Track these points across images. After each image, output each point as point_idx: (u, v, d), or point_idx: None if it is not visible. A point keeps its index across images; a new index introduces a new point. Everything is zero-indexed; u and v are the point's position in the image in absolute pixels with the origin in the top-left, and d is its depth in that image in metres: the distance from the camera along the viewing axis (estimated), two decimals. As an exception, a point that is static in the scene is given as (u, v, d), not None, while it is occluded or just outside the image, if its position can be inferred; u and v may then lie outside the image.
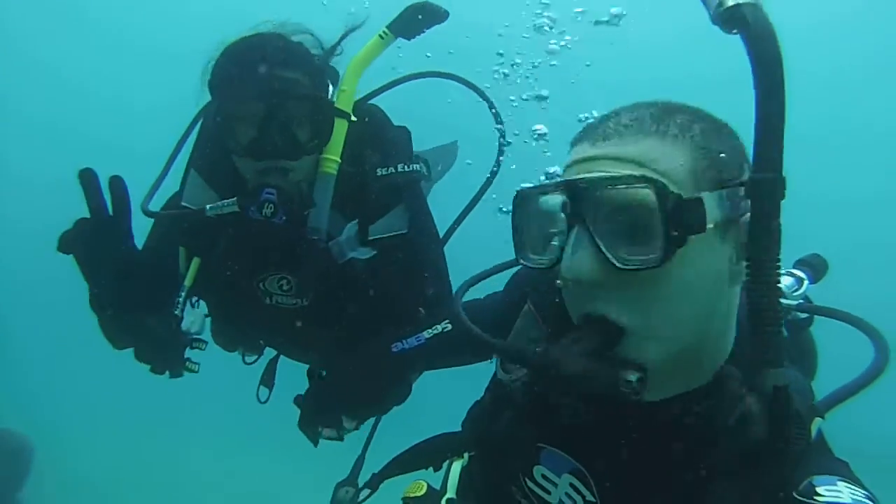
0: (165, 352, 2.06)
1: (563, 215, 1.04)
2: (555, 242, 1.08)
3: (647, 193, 0.97)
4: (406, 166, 2.08)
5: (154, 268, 2.07)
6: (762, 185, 0.94)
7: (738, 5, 0.94)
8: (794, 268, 1.49)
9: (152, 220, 2.15)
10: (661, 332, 1.02)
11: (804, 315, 1.42)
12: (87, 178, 1.85)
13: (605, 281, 1.00)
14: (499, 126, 2.56)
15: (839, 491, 0.98)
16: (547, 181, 1.17)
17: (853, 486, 1.00)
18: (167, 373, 2.09)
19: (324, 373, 2.01)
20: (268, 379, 2.55)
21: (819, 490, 0.98)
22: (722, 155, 1.04)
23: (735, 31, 0.96)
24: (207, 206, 1.93)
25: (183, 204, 2.03)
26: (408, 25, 2.10)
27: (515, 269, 1.49)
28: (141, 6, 12.73)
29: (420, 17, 2.10)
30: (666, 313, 1.02)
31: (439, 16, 2.12)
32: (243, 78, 1.86)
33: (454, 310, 1.37)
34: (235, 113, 1.89)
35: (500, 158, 2.58)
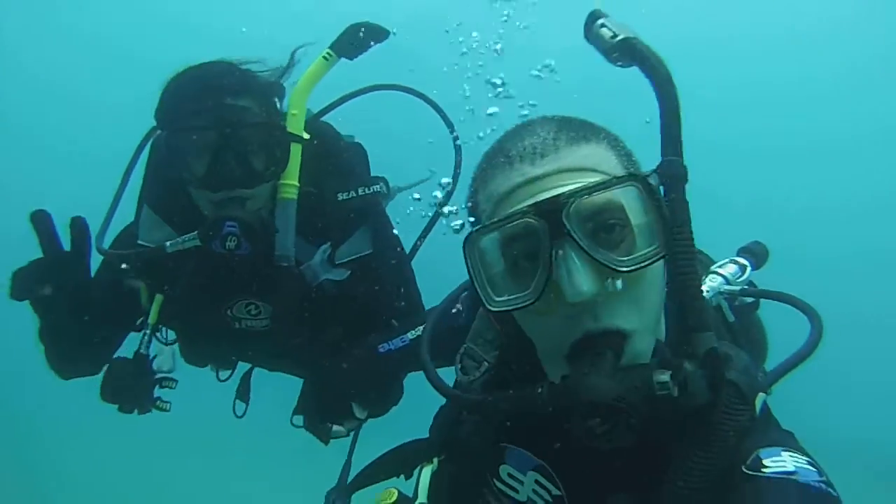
0: (132, 392, 2.08)
1: (541, 241, 1.00)
2: (525, 273, 1.04)
3: (635, 190, 1.02)
4: (366, 189, 2.12)
5: (109, 301, 2.07)
6: (676, 165, 1.05)
7: (627, 38, 1.12)
8: (737, 256, 1.55)
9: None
10: (650, 325, 1.06)
11: (750, 300, 1.48)
12: (39, 220, 1.88)
13: (606, 291, 1.00)
14: (454, 136, 2.54)
15: (783, 460, 1.03)
16: (503, 216, 1.05)
17: (796, 455, 1.05)
18: (135, 411, 2.11)
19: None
20: (243, 393, 2.56)
21: (765, 462, 1.02)
22: (628, 150, 1.13)
23: (622, 62, 1.12)
24: (167, 244, 1.93)
25: (140, 242, 2.02)
26: (350, 45, 2.14)
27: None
28: (138, 16, 12.62)
29: (361, 36, 2.13)
30: (651, 305, 1.06)
31: (380, 35, 2.16)
32: (194, 109, 1.86)
33: (428, 373, 1.30)
34: (188, 144, 1.88)
35: (458, 171, 2.57)
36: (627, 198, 1.03)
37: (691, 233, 1.06)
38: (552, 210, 0.99)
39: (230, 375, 2.55)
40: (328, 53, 2.12)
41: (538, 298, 1.02)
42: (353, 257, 2.11)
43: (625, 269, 0.99)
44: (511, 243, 1.06)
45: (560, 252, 0.99)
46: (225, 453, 8.59)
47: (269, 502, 7.97)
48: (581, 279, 0.97)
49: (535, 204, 1.01)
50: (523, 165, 1.07)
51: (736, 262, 1.51)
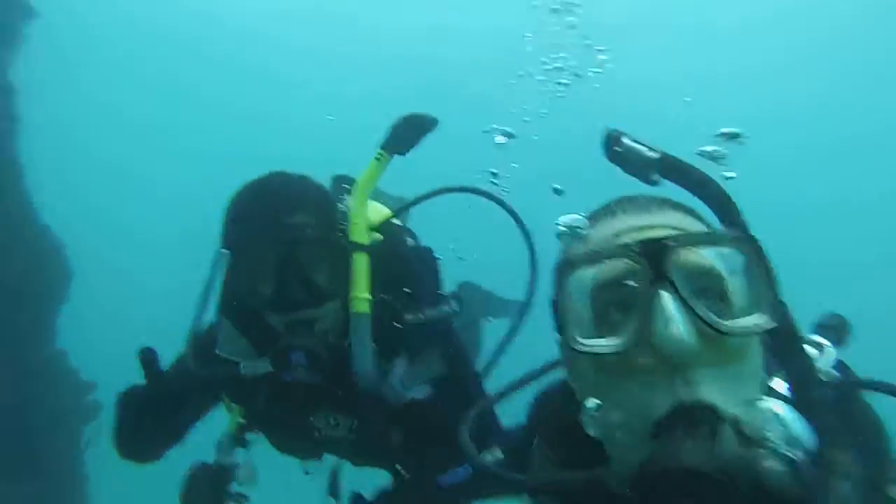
0: (209, 502, 2.17)
1: (640, 283, 0.92)
2: (618, 317, 0.96)
3: (741, 255, 0.96)
4: (434, 310, 2.05)
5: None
6: (755, 241, 0.97)
7: (666, 156, 1.10)
8: (813, 334, 1.25)
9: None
10: (749, 420, 0.91)
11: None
12: (148, 357, 2.05)
13: (702, 354, 0.88)
14: (529, 244, 2.39)
15: None
16: (603, 247, 1.00)
17: None
18: None
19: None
20: (334, 489, 2.53)
21: None
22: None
23: (656, 178, 1.09)
24: (241, 366, 1.97)
25: (217, 352, 2.06)
26: (400, 141, 2.12)
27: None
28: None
29: (409, 130, 2.12)
30: (752, 392, 0.92)
31: (428, 125, 2.13)
32: (251, 232, 1.90)
33: (476, 462, 1.30)
34: (249, 268, 1.92)
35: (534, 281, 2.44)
36: (730, 265, 0.97)
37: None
38: (657, 252, 0.92)
39: (318, 465, 2.53)
40: (380, 154, 2.11)
41: (631, 345, 0.91)
42: (423, 379, 2.07)
43: (728, 331, 0.89)
44: (603, 289, 0.98)
45: (659, 298, 0.89)
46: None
47: None
48: (681, 328, 0.87)
49: (640, 242, 0.95)
50: (627, 217, 1.04)
51: (816, 345, 1.22)
